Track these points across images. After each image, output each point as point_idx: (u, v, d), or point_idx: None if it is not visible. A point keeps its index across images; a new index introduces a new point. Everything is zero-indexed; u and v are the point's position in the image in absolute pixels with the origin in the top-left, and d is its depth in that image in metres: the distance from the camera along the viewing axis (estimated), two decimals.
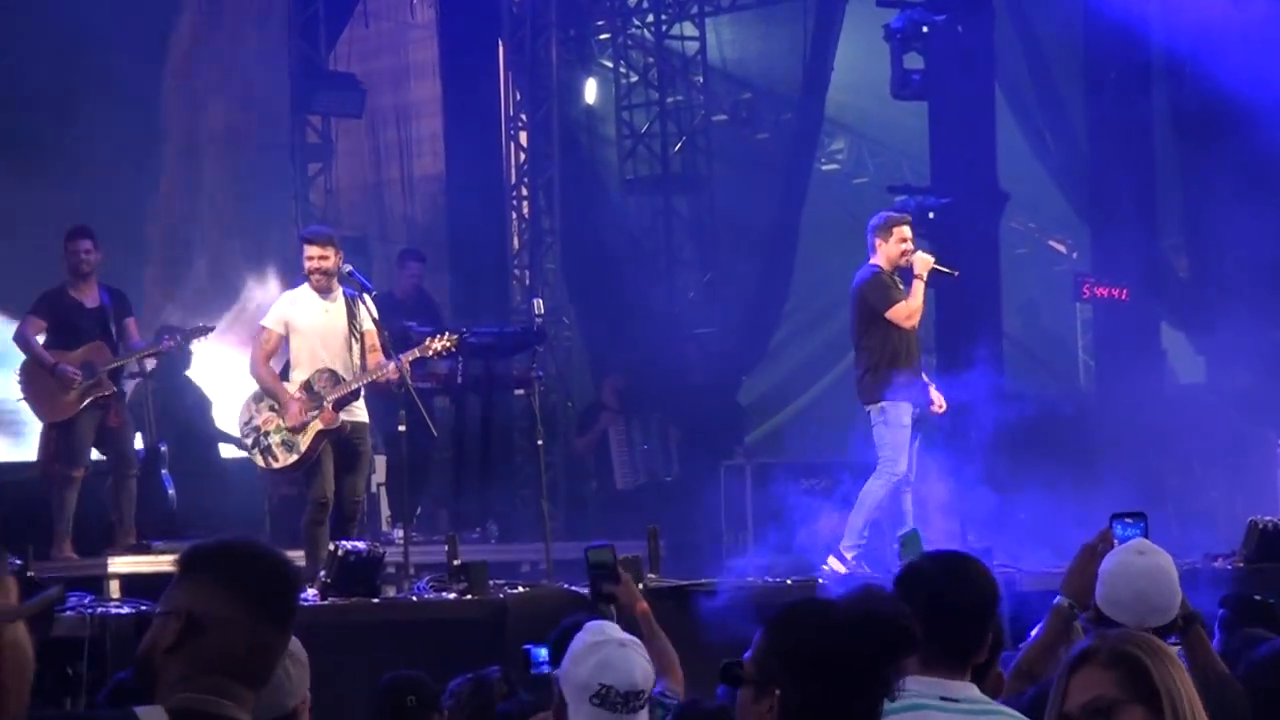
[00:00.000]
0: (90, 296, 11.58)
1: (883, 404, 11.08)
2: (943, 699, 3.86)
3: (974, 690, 3.96)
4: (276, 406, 10.56)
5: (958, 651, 3.98)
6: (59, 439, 11.44)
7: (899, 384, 11.13)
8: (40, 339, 11.50)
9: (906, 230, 11.22)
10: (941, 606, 3.98)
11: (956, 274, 11.36)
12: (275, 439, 10.57)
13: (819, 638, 3.08)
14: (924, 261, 11.15)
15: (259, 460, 10.66)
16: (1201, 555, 11.14)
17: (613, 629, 4.14)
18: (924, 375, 11.39)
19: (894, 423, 11.14)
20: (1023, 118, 15.62)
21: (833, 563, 11.15)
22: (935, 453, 11.50)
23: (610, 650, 4.02)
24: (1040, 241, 18.95)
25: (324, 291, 10.60)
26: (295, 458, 10.53)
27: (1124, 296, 14.43)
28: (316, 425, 10.51)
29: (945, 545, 10.78)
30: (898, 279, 11.12)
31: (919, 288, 11.15)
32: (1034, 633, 5.01)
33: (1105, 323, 15.27)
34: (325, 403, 10.51)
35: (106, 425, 11.44)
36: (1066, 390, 16.75)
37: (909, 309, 11.15)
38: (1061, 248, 18.87)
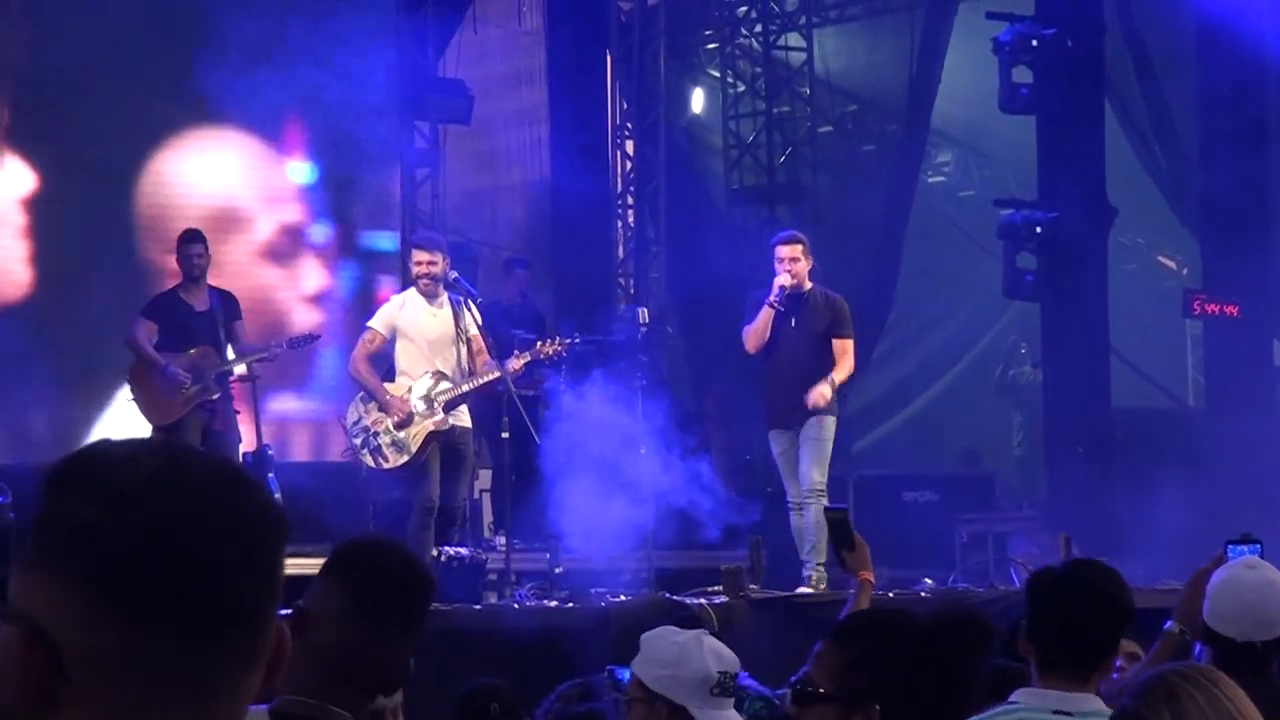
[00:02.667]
0: (200, 299, 11.69)
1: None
2: (1056, 712, 3.83)
3: (1096, 703, 3.92)
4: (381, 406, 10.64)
5: (1084, 661, 3.96)
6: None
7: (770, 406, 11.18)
8: (152, 341, 11.62)
9: (782, 250, 11.08)
10: (1072, 613, 3.97)
11: (777, 308, 11.11)
12: (385, 439, 10.63)
13: (914, 646, 3.06)
14: (776, 287, 11.07)
15: (369, 460, 10.72)
16: None
17: (671, 629, 4.15)
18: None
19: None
20: (1132, 131, 15.50)
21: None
22: (1037, 469, 11.43)
23: (705, 639, 4.04)
24: (1149, 257, 18.78)
25: (431, 296, 10.67)
26: (406, 458, 10.60)
27: (1235, 313, 14.27)
28: (428, 426, 10.57)
29: (1047, 560, 10.68)
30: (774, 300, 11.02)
31: (762, 313, 11.06)
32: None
33: (1216, 339, 15.11)
34: (436, 406, 10.57)
35: (213, 429, 11.53)
36: (1176, 407, 16.59)
37: (747, 333, 11.12)
38: (1171, 263, 18.69)
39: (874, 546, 13.37)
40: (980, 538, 13.52)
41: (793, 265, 11.04)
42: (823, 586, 10.91)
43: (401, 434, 10.60)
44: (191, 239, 11.85)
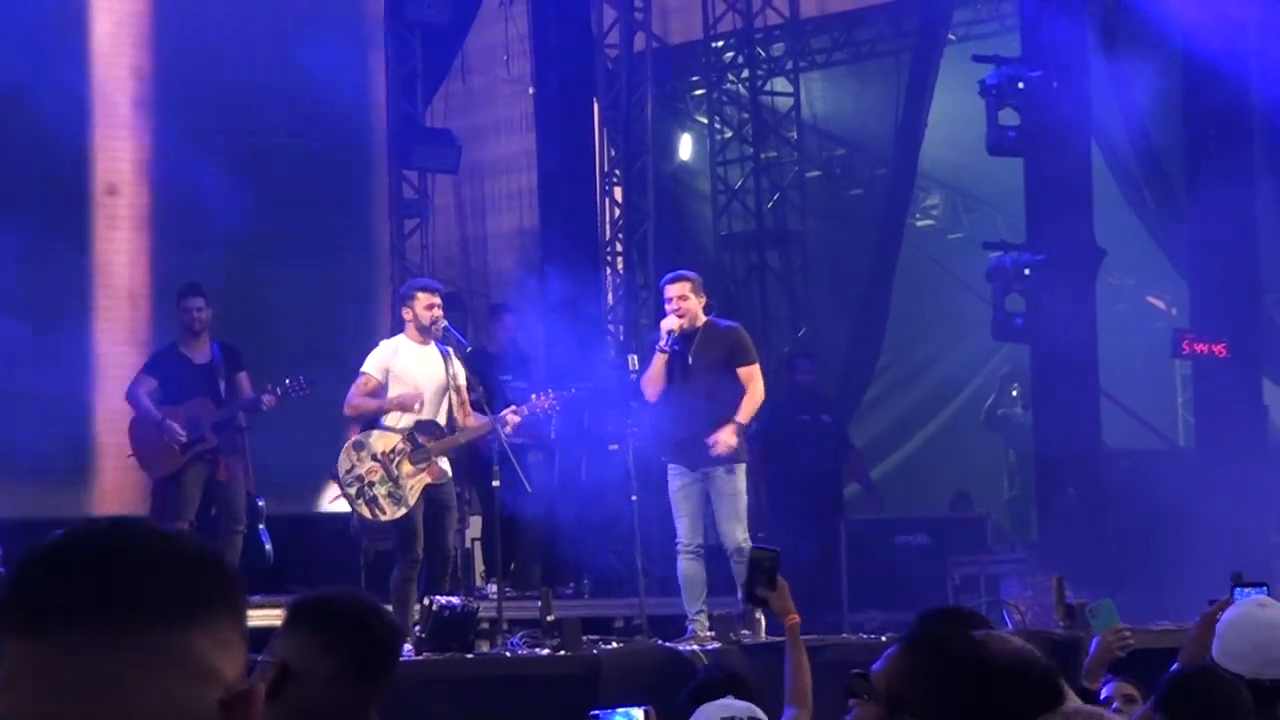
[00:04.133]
0: (201, 353, 11.77)
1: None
2: None
3: None
4: (389, 451, 10.55)
5: None
6: (165, 493, 11.63)
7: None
8: (153, 396, 11.73)
9: (669, 290, 11.14)
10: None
11: (667, 352, 11.11)
12: (381, 490, 10.58)
13: (975, 674, 3.03)
14: (663, 332, 11.10)
15: (364, 511, 10.66)
16: None
17: (738, 705, 4.15)
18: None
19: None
20: (1120, 173, 15.52)
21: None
22: (1029, 510, 11.40)
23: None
24: (1138, 297, 18.80)
25: (425, 342, 10.67)
26: (404, 510, 10.55)
27: (1223, 352, 14.28)
28: (425, 479, 10.54)
29: (1040, 602, 10.67)
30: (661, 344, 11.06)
31: (655, 360, 11.14)
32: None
33: (1205, 379, 15.12)
34: (431, 456, 10.55)
35: (215, 479, 11.57)
36: (1166, 447, 16.60)
37: (643, 382, 11.20)
38: (1160, 304, 18.71)
39: (867, 590, 13.45)
40: (973, 580, 13.50)
41: (681, 304, 11.04)
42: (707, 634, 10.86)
43: (399, 486, 10.55)
44: (189, 293, 11.98)
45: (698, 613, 10.96)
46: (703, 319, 11.17)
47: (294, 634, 3.20)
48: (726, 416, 10.94)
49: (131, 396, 11.88)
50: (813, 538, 14.24)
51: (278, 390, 11.97)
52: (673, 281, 11.23)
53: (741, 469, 11.04)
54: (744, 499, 11.05)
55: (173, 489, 11.60)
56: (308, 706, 3.11)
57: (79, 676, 1.63)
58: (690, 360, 11.04)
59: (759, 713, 4.76)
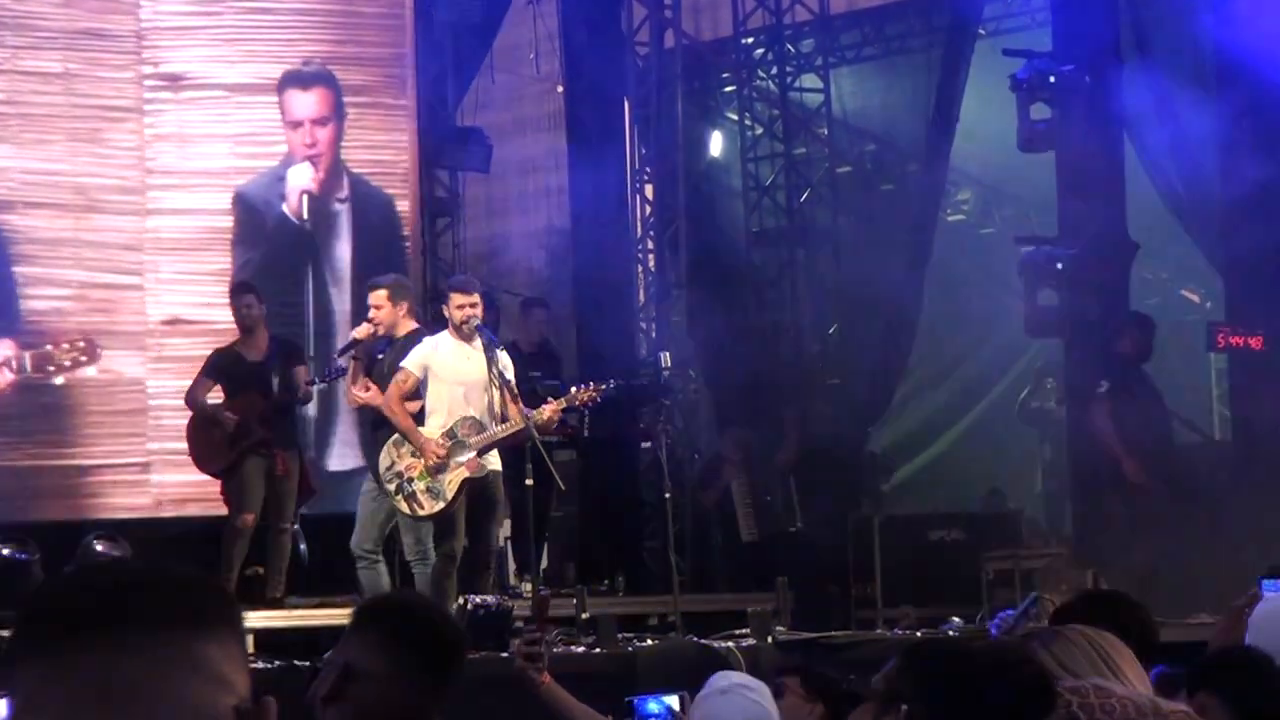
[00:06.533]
0: (255, 349, 11.85)
1: None
2: None
3: None
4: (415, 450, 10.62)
5: None
6: (225, 487, 11.74)
7: None
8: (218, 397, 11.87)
9: (369, 298, 11.14)
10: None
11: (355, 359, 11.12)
12: (420, 485, 10.61)
13: (956, 671, 3.05)
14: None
15: (404, 507, 10.69)
16: None
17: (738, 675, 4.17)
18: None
19: None
20: (1152, 165, 15.46)
21: None
22: (1063, 505, 11.37)
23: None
24: (1172, 291, 18.73)
25: (466, 339, 10.68)
26: (441, 505, 10.58)
27: (1259, 345, 14.21)
28: (463, 473, 10.55)
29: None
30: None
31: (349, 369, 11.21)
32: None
33: (1241, 372, 15.05)
34: (470, 450, 10.56)
35: (273, 474, 11.66)
36: (1202, 441, 16.52)
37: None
38: (1194, 297, 18.63)
39: (900, 585, 13.44)
40: (1007, 575, 13.47)
41: (375, 314, 11.04)
42: None
43: (438, 480, 10.58)
44: (240, 290, 12.10)
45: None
46: (406, 327, 11.09)
47: (360, 635, 3.23)
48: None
49: (189, 398, 12.05)
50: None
51: (315, 381, 12.09)
52: (370, 289, 11.23)
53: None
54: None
55: (229, 482, 11.72)
56: (371, 708, 3.13)
57: (102, 684, 1.72)
58: (386, 369, 10.96)
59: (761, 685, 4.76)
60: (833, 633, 10.93)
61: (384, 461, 10.75)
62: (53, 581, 1.84)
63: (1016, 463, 18.53)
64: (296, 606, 11.46)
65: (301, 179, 14.15)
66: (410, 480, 10.62)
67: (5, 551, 11.18)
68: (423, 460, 10.56)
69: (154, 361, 13.49)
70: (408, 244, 14.67)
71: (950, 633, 11.50)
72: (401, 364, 10.80)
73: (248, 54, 14.02)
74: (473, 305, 10.73)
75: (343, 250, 14.20)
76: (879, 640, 10.63)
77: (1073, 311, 14.39)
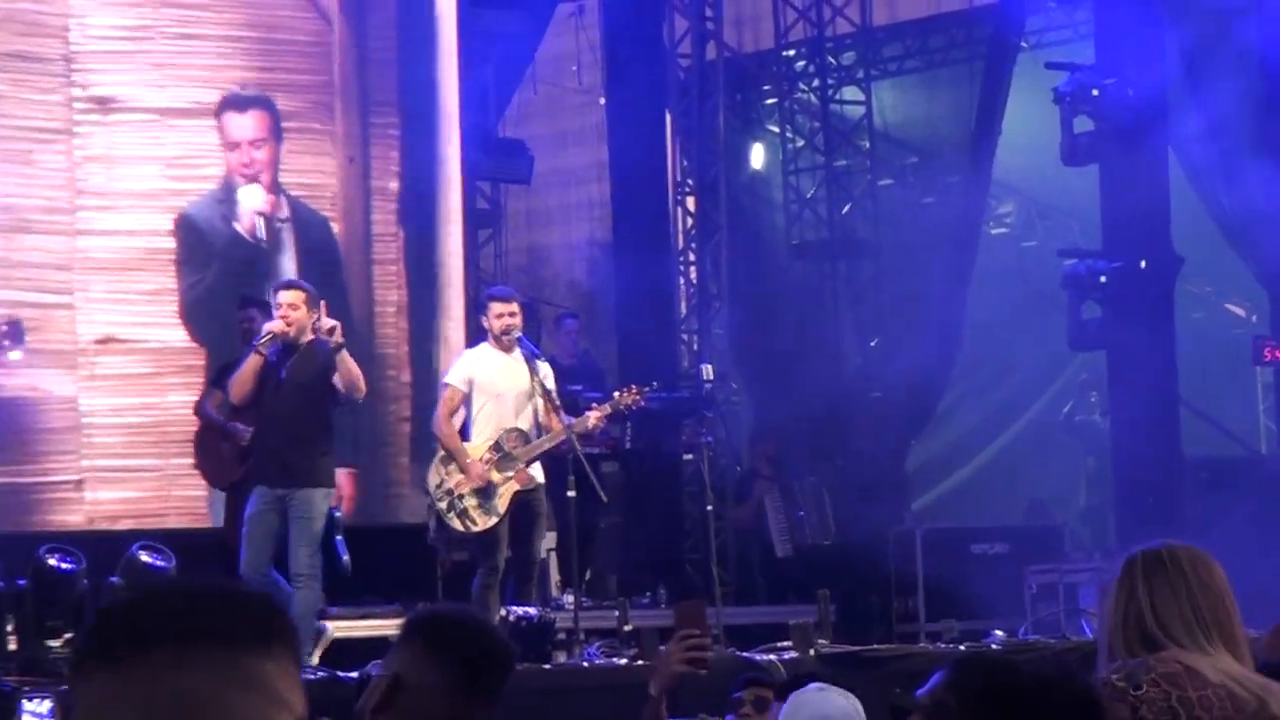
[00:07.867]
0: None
1: None
2: None
3: None
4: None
5: None
6: (234, 503, 11.61)
7: None
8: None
9: (280, 296, 10.59)
10: None
11: (263, 354, 10.53)
12: (471, 501, 10.59)
13: (1004, 685, 3.02)
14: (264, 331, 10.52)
15: (456, 524, 10.65)
16: None
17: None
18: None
19: None
20: (1197, 178, 15.40)
21: None
22: (1105, 518, 11.32)
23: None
24: (1217, 305, 18.66)
25: (507, 350, 10.67)
26: (495, 520, 10.55)
27: None
28: (513, 486, 10.53)
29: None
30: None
31: (248, 360, 10.50)
32: None
33: None
34: (518, 463, 10.54)
35: None
36: (1248, 455, 16.45)
37: (230, 383, 10.66)
38: (1240, 311, 18.56)
39: (944, 598, 13.38)
40: (1050, 588, 13.42)
41: (290, 313, 10.42)
42: None
43: (489, 495, 10.55)
44: (245, 304, 12.06)
45: None
46: (308, 337, 10.47)
47: (408, 648, 3.25)
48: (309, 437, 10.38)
49: (198, 409, 11.98)
50: None
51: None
52: (284, 288, 10.68)
53: (321, 495, 10.45)
54: (320, 524, 10.41)
55: (240, 498, 11.62)
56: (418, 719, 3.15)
57: (163, 698, 1.72)
58: (282, 374, 10.43)
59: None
60: (876, 646, 10.89)
61: (433, 480, 10.73)
62: (122, 595, 1.86)
63: (1060, 476, 18.47)
64: (336, 618, 11.46)
65: (254, 200, 13.98)
66: (461, 497, 10.60)
67: None
68: (469, 482, 10.55)
69: (86, 380, 13.41)
70: (342, 270, 14.43)
71: (994, 646, 11.46)
72: (445, 379, 10.79)
73: (177, 78, 13.89)
74: (512, 314, 10.71)
75: (290, 269, 14.02)
76: (923, 654, 10.59)
77: (1117, 325, 14.33)
